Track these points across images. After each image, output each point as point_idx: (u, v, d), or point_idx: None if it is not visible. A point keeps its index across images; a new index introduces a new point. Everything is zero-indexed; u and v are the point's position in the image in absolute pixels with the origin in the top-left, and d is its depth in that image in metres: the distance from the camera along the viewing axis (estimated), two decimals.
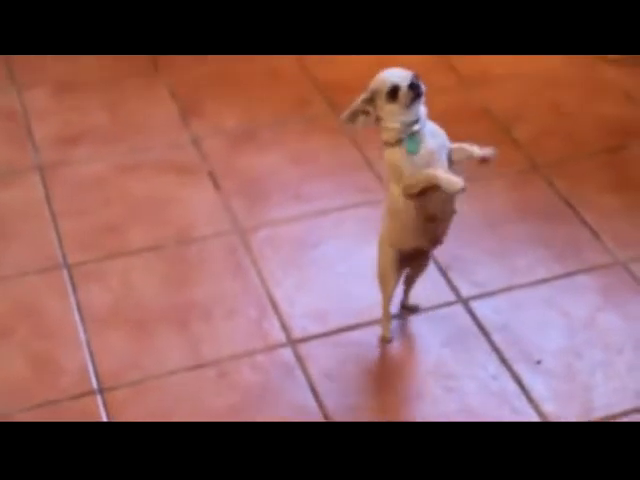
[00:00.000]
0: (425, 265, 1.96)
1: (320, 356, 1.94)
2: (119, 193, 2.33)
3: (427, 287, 2.06)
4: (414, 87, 1.73)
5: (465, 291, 2.06)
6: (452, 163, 1.79)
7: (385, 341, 1.96)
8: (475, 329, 1.99)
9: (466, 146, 1.78)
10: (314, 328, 2.00)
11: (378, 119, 1.77)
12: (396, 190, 1.79)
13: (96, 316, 2.03)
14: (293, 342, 1.98)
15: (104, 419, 1.83)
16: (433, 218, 1.80)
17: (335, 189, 2.33)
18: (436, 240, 1.85)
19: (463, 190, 1.72)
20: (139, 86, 2.69)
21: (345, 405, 1.85)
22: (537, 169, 2.37)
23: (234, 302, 2.05)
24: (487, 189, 2.31)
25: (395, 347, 1.96)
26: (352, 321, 2.01)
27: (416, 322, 2.00)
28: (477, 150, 1.77)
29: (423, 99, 1.76)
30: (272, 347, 1.96)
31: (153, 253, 2.17)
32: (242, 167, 2.40)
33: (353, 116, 1.78)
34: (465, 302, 2.04)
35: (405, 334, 1.99)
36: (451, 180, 1.73)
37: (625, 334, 1.96)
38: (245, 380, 1.90)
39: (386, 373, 1.91)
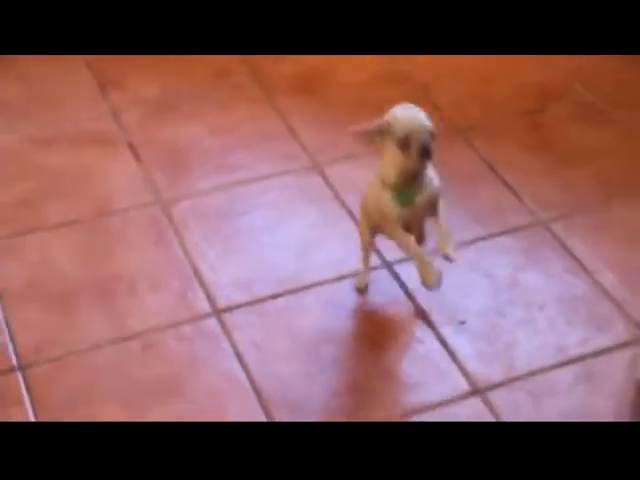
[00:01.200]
0: (420, 238, 1.92)
1: (246, 325, 1.97)
2: (35, 166, 2.32)
3: (352, 252, 2.10)
4: (426, 148, 1.71)
5: (389, 255, 2.11)
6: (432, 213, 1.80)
7: (359, 290, 2.02)
8: (400, 293, 2.04)
9: (443, 230, 1.79)
10: (239, 297, 2.02)
11: (379, 151, 1.77)
12: (374, 187, 1.82)
13: (14, 292, 2.02)
14: (218, 312, 2.00)
15: (25, 396, 1.83)
16: (410, 228, 1.83)
17: (259, 158, 2.36)
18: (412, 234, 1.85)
19: (437, 287, 1.79)
20: (55, 56, 2.66)
21: (272, 374, 1.88)
22: (458, 132, 2.42)
23: (157, 274, 2.07)
24: None
25: (319, 314, 2.00)
26: (277, 289, 2.04)
27: (339, 288, 2.05)
28: (447, 246, 1.77)
29: (430, 160, 1.74)
30: (197, 317, 1.98)
31: (72, 227, 2.17)
32: (163, 138, 2.40)
33: (362, 136, 1.78)
34: (390, 266, 2.09)
35: (330, 300, 2.03)
36: (429, 270, 1.78)
37: (547, 292, 2.02)
38: (171, 351, 1.92)
39: (312, 341, 1.94)
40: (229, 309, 2.00)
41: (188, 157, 2.36)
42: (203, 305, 2.01)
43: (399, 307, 2.02)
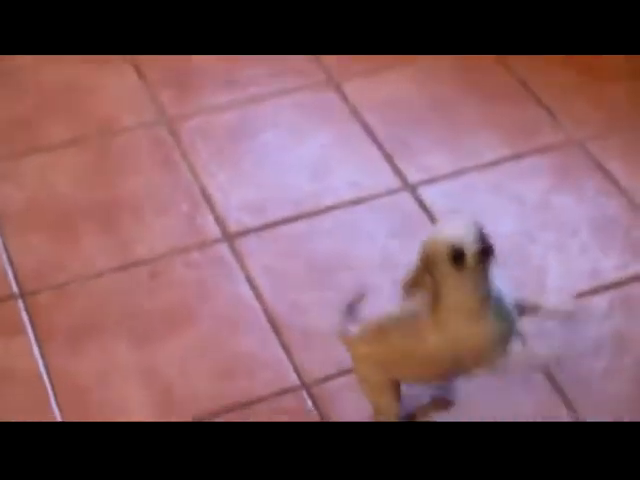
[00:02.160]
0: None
1: (258, 251, 1.90)
2: (33, 84, 2.24)
3: (370, 173, 2.04)
4: (485, 250, 1.35)
5: (412, 177, 2.02)
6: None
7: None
8: (423, 216, 1.96)
9: (545, 303, 1.48)
10: (251, 221, 1.95)
11: (435, 291, 1.39)
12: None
13: (13, 216, 1.96)
14: (229, 237, 1.93)
15: (27, 325, 1.79)
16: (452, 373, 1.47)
17: (271, 73, 2.26)
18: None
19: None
20: None
21: (287, 301, 1.82)
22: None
23: (164, 197, 2.00)
24: (434, 70, 2.25)
25: (337, 239, 1.92)
26: (291, 213, 1.96)
27: (359, 212, 1.97)
28: (562, 305, 1.49)
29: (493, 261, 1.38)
30: (207, 243, 1.92)
31: (73, 148, 2.10)
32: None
33: (413, 287, 1.43)
34: (412, 188, 2.01)
35: (348, 225, 1.96)
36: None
37: (579, 215, 1.94)
38: (180, 278, 1.86)
39: (328, 267, 1.87)
40: (241, 234, 1.93)
41: (195, 72, 2.26)
42: (213, 230, 1.94)
43: (422, 231, 1.94)
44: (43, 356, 1.74)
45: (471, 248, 1.34)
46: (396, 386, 1.50)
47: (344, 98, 2.20)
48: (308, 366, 1.71)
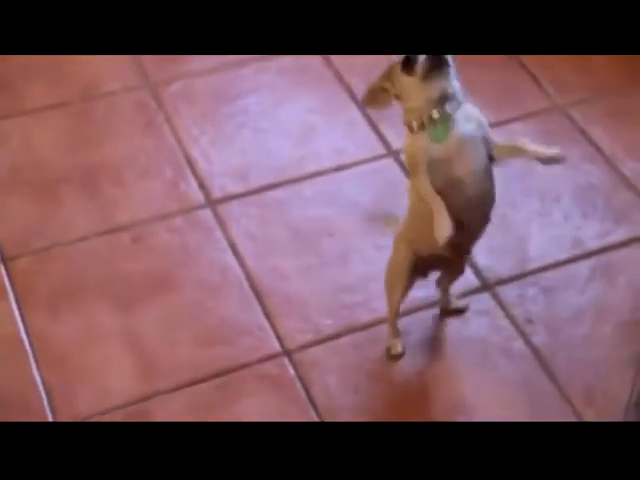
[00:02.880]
0: (457, 273, 1.72)
1: (241, 217, 1.91)
2: None
3: (355, 140, 2.04)
4: (433, 56, 1.48)
5: (396, 143, 2.03)
6: (493, 160, 1.55)
7: (392, 358, 1.72)
8: (407, 182, 1.97)
9: (524, 144, 1.54)
10: (234, 187, 1.96)
11: (397, 97, 1.54)
12: (416, 184, 1.56)
13: None
14: (212, 202, 1.94)
15: (9, 289, 1.79)
16: (458, 225, 1.52)
17: None
18: (461, 249, 1.62)
19: (441, 247, 1.51)
20: None
21: (270, 267, 1.83)
22: None
23: (147, 162, 2.00)
24: None
25: (321, 205, 1.94)
26: (274, 179, 1.97)
27: (342, 179, 1.98)
28: (540, 150, 1.52)
29: (450, 71, 1.50)
30: (190, 208, 1.93)
31: (55, 111, 2.10)
32: None
33: (373, 96, 1.58)
34: (396, 155, 2.02)
35: (331, 191, 1.97)
36: (440, 226, 1.49)
37: (563, 182, 1.96)
38: (162, 244, 1.87)
39: (310, 232, 1.88)
40: (224, 199, 1.94)
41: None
42: (196, 195, 1.95)
43: (405, 197, 1.96)
44: (24, 321, 1.75)
45: (420, 56, 1.50)
46: (415, 269, 1.66)
47: (328, 62, 2.20)
48: (289, 333, 1.73)
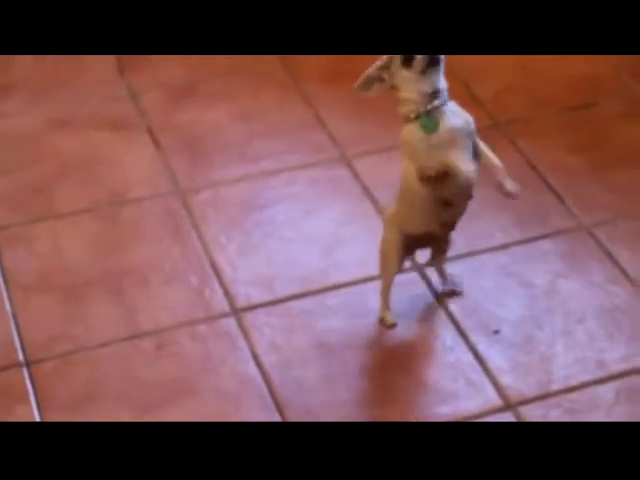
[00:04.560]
0: (445, 249, 1.95)
1: (265, 326, 1.94)
2: (49, 150, 2.31)
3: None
4: (431, 55, 1.72)
5: (421, 257, 2.07)
6: (476, 156, 1.78)
7: (386, 326, 1.95)
8: (430, 298, 2.01)
9: (494, 162, 1.78)
10: (259, 296, 2.00)
11: (394, 88, 1.77)
12: (408, 168, 1.78)
13: (23, 283, 2.01)
14: (237, 311, 1.98)
15: (30, 393, 1.82)
16: (447, 202, 1.78)
17: (284, 148, 2.33)
18: (448, 225, 1.85)
19: (469, 181, 1.74)
20: None
21: (292, 378, 1.85)
22: (499, 128, 2.38)
23: (173, 268, 2.05)
24: None
25: (344, 318, 1.97)
26: (299, 289, 2.01)
27: (367, 290, 2.02)
28: (505, 178, 1.77)
29: (441, 69, 1.75)
30: (214, 317, 1.96)
31: (85, 215, 2.16)
32: (183, 123, 2.38)
33: (367, 83, 1.78)
34: (420, 269, 2.06)
35: (356, 303, 2.00)
36: (467, 169, 1.73)
37: (587, 302, 1.98)
38: (185, 351, 1.90)
39: (336, 345, 1.91)
40: (248, 308, 1.98)
41: (209, 144, 2.33)
42: (221, 303, 1.99)
43: (429, 313, 1.99)
44: None
45: (419, 55, 1.72)
46: (405, 247, 1.89)
47: (355, 175, 2.27)
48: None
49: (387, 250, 1.90)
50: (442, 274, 2.00)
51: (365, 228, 2.14)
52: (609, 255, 2.08)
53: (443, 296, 2.00)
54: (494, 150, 2.27)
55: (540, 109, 2.44)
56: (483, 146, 1.79)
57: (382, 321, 1.95)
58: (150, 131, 2.37)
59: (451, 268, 2.04)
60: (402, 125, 1.78)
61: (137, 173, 2.26)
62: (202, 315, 1.97)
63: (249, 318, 1.96)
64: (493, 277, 2.04)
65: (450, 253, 2.06)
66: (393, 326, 1.94)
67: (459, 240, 2.10)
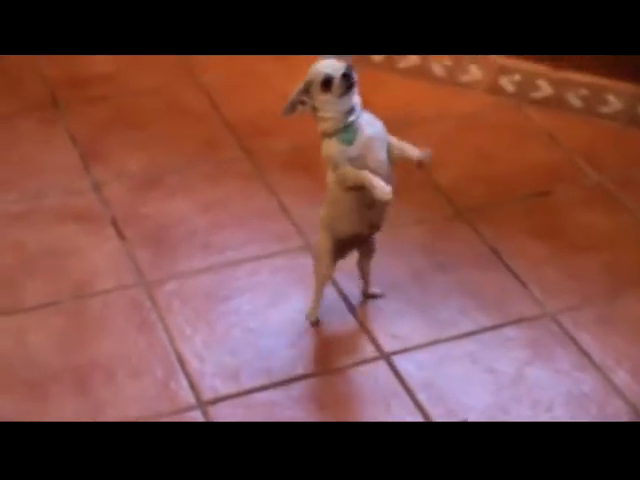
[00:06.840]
0: (371, 250, 2.16)
1: (231, 418, 1.96)
2: (11, 244, 2.33)
3: (346, 342, 2.13)
4: (347, 77, 1.93)
5: (387, 346, 2.11)
6: (390, 159, 1.99)
7: (311, 323, 2.16)
8: (398, 387, 2.04)
9: (404, 146, 2.00)
10: (225, 389, 2.02)
11: (314, 109, 1.97)
12: (332, 177, 2.00)
13: None
14: (203, 404, 1.99)
15: None
16: (370, 205, 1.98)
17: (248, 238, 2.37)
18: (374, 226, 2.06)
19: (389, 201, 1.93)
20: (34, 125, 2.71)
21: None
22: (460, 215, 2.45)
23: (139, 361, 2.07)
24: (408, 236, 2.39)
25: (312, 409, 1.99)
26: (265, 381, 2.03)
27: (334, 380, 2.05)
28: (414, 152, 1.99)
29: (356, 89, 1.96)
30: (181, 410, 1.97)
31: (49, 309, 2.17)
32: (147, 215, 2.43)
33: (292, 108, 1.98)
34: (387, 357, 2.10)
35: (322, 392, 2.03)
36: (381, 187, 1.91)
37: (554, 390, 2.02)
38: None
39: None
40: (214, 401, 2.00)
41: (174, 235, 2.37)
42: (187, 396, 2.00)
43: (397, 401, 2.01)
44: None
45: (337, 77, 1.93)
46: (337, 249, 2.10)
47: None
48: None
49: (320, 255, 2.11)
50: (366, 278, 2.20)
51: (331, 318, 2.17)
52: (574, 341, 2.13)
53: (368, 297, 2.22)
54: (455, 238, 2.38)
55: (500, 196, 2.52)
56: (394, 140, 1.99)
57: (308, 316, 2.16)
58: (114, 223, 2.41)
59: (417, 357, 2.08)
60: (321, 140, 1.99)
61: (102, 265, 2.29)
62: (168, 408, 1.97)
63: (215, 410, 1.97)
64: (459, 365, 2.07)
65: (416, 340, 2.11)
66: (316, 323, 2.16)
67: (424, 327, 2.16)
